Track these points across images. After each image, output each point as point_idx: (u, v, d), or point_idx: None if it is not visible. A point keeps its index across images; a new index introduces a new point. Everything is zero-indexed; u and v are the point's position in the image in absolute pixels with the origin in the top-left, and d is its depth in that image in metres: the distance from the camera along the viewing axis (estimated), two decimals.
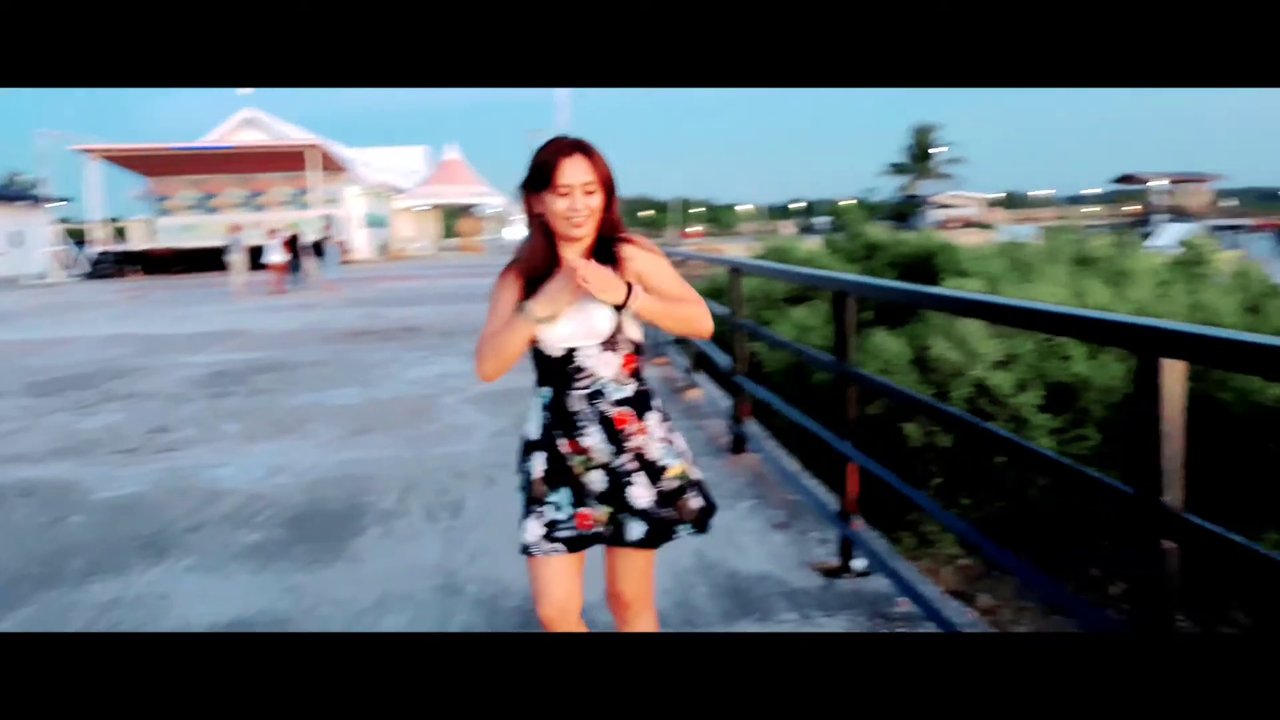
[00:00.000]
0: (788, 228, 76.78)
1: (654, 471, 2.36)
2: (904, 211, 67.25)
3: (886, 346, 8.93)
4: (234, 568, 4.30)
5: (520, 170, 2.32)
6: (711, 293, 11.92)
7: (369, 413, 7.67)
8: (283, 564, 4.32)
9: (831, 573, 3.95)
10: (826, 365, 4.03)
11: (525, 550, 2.40)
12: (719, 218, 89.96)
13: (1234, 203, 79.39)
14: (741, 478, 5.39)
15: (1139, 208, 73.64)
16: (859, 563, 3.96)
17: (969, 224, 60.68)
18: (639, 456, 2.34)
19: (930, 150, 75.28)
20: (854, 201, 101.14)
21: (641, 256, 2.32)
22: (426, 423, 7.21)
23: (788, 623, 3.50)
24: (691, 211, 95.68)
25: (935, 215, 63.75)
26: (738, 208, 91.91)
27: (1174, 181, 75.44)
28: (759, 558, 4.16)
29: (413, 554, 4.38)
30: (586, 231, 2.27)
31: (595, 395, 2.33)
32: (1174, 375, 1.85)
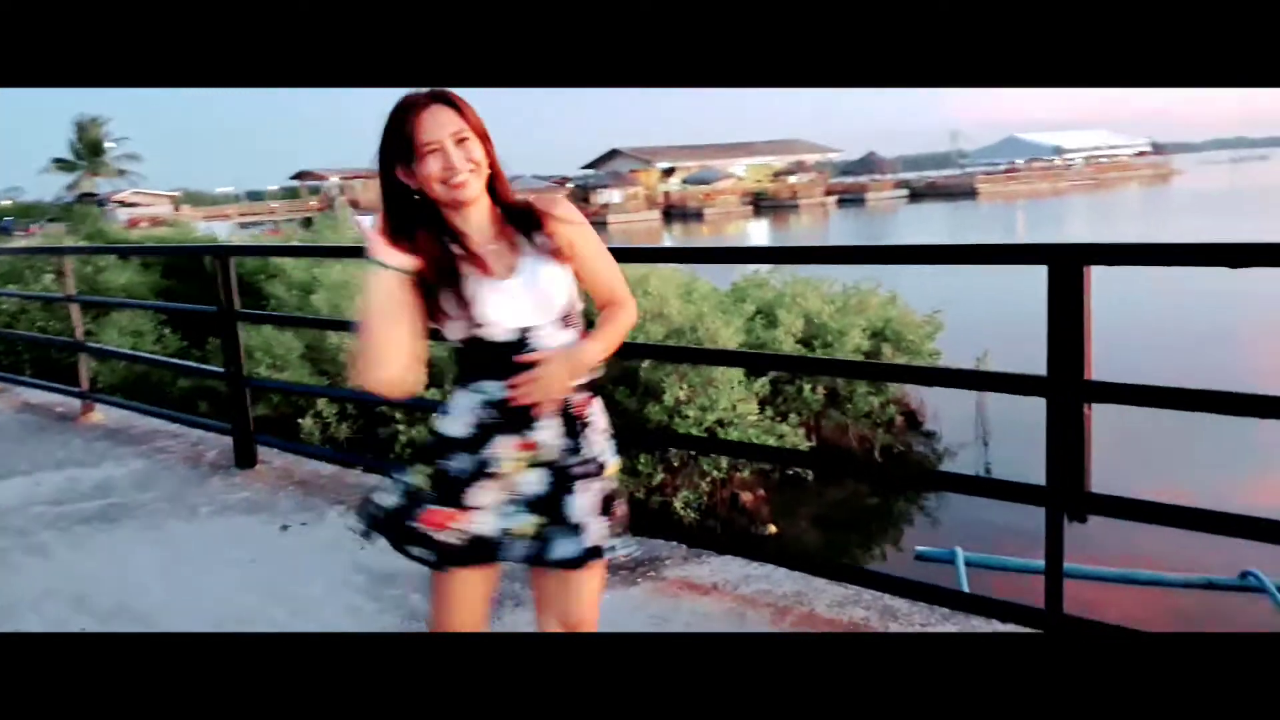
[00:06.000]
0: None
1: (597, 472, 2.02)
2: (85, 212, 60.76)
3: (279, 340, 8.43)
4: None
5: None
6: None
7: None
8: None
9: None
10: None
11: (435, 564, 2.00)
12: None
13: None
14: (292, 490, 4.78)
15: (318, 202, 77.77)
16: None
17: (159, 222, 57.83)
18: (590, 453, 2.01)
19: (102, 146, 69.38)
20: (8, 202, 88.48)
21: (570, 226, 2.00)
22: None
23: None
24: None
25: (121, 214, 59.06)
26: None
27: (346, 178, 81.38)
28: None
29: None
30: (473, 191, 1.90)
31: None
32: (1089, 280, 2.42)
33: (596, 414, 2.05)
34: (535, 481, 1.97)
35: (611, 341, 2.01)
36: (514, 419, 1.93)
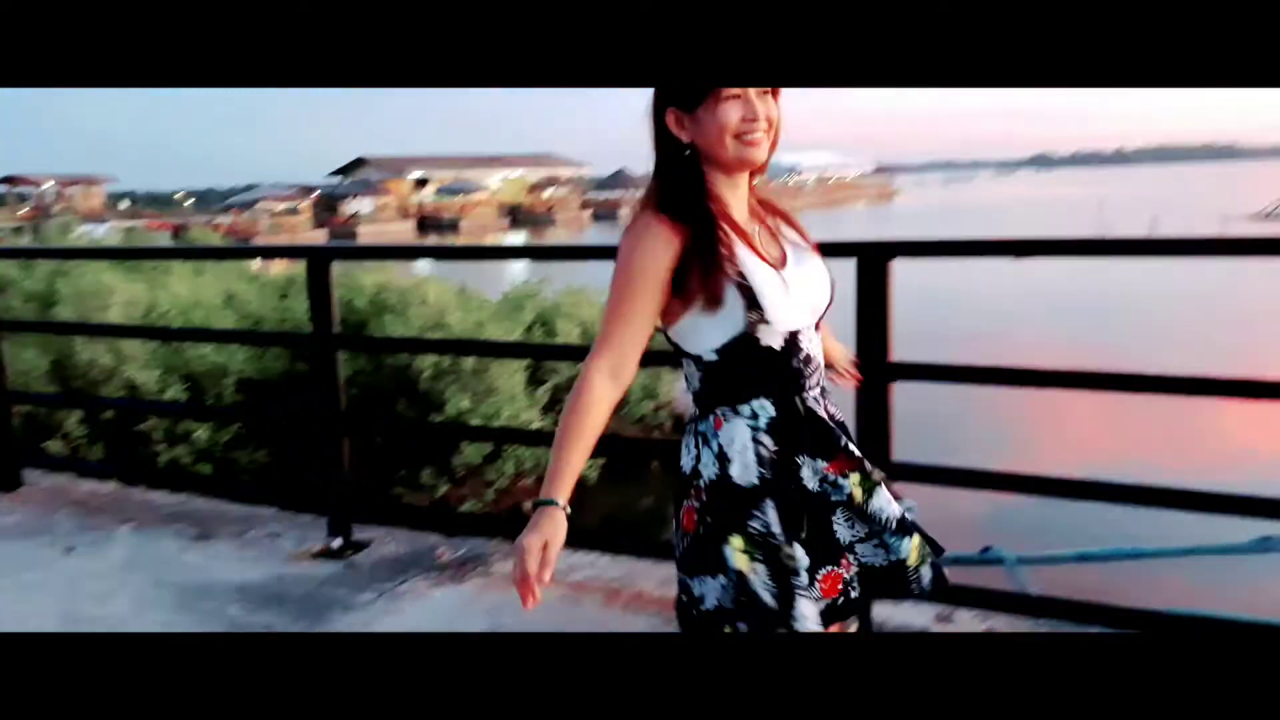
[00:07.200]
0: None
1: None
2: None
3: (21, 358, 7.68)
4: None
5: None
6: None
7: None
8: None
9: (333, 554, 3.79)
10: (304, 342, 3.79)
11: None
12: None
13: (128, 204, 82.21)
14: (70, 511, 4.43)
15: (30, 210, 70.84)
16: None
17: None
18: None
19: None
20: None
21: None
22: None
23: (373, 603, 3.35)
24: None
25: None
26: None
27: (63, 184, 74.56)
28: (243, 568, 3.71)
29: None
30: (763, 154, 1.60)
31: (825, 391, 1.71)
32: (893, 273, 2.73)
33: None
34: (886, 507, 1.69)
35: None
36: (812, 436, 1.65)
